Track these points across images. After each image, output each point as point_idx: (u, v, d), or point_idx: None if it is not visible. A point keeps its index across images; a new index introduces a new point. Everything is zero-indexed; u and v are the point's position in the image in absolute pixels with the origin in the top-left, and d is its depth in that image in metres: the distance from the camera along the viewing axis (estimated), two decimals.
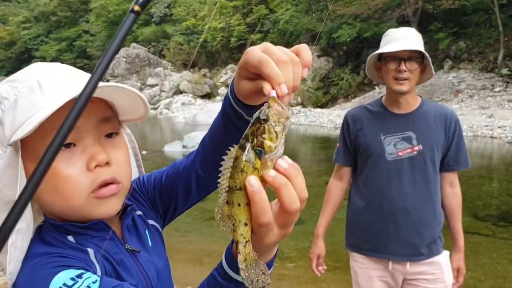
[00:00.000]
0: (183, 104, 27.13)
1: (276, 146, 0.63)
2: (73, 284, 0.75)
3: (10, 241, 0.81)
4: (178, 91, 29.51)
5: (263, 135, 0.63)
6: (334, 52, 25.74)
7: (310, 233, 6.36)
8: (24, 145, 0.83)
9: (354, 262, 2.55)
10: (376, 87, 22.61)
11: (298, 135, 19.08)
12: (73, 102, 0.81)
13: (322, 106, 23.58)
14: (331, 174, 2.65)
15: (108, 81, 30.74)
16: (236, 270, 0.71)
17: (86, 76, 0.89)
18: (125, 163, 0.92)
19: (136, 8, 0.58)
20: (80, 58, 44.18)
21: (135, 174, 1.10)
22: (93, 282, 0.75)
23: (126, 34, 0.55)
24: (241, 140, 0.64)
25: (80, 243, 0.87)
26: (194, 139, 13.49)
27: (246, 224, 0.66)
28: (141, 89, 29.98)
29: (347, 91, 23.93)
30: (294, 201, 0.64)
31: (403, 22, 22.66)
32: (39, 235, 0.89)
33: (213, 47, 32.43)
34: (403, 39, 2.27)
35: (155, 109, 26.99)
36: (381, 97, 2.50)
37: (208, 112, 22.45)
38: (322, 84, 24.54)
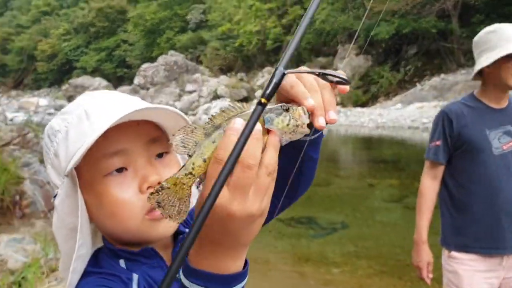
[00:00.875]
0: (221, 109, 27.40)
1: (282, 132, 0.64)
2: None
3: (71, 267, 0.85)
4: (216, 96, 29.79)
5: (278, 115, 0.64)
6: (372, 49, 25.38)
7: (355, 237, 6.33)
8: (79, 174, 0.86)
9: (457, 265, 2.41)
10: (417, 84, 22.15)
11: (338, 135, 18.88)
12: (118, 125, 0.84)
13: (363, 105, 23.27)
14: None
15: (148, 89, 31.41)
16: (186, 274, 0.68)
17: (133, 100, 0.92)
18: None
19: (263, 100, 0.62)
20: (120, 67, 45.25)
21: (195, 194, 1.11)
22: None
23: (253, 125, 0.60)
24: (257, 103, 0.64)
25: (129, 268, 0.89)
26: None
27: (204, 161, 0.62)
28: (180, 96, 30.43)
29: (387, 89, 23.54)
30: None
31: (443, 16, 22.11)
32: (95, 257, 0.92)
33: (249, 50, 32.56)
34: None
35: (194, 115, 27.33)
36: (472, 92, 2.51)
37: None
38: (361, 83, 24.24)
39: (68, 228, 0.86)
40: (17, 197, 5.81)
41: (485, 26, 2.59)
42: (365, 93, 24.07)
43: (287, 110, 0.65)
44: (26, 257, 3.99)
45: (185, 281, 0.68)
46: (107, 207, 0.85)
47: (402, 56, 24.60)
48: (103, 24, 49.03)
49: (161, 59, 33.37)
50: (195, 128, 0.64)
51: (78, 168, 0.85)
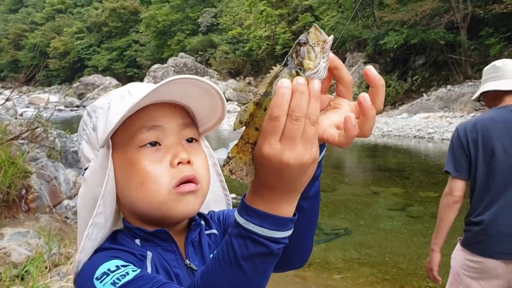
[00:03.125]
0: (228, 111, 27.20)
1: (316, 66, 0.69)
2: (116, 270, 0.83)
3: (86, 232, 0.89)
4: None
5: (303, 55, 0.69)
6: (380, 58, 25.38)
7: (358, 244, 6.34)
8: (115, 146, 0.93)
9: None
10: (424, 94, 22.11)
11: None
12: (157, 104, 0.92)
13: None
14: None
15: None
16: (242, 213, 0.74)
17: None
18: (205, 168, 0.98)
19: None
20: (130, 67, 45.49)
21: (220, 198, 1.16)
22: (133, 271, 0.83)
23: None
24: (284, 60, 0.71)
25: (144, 247, 0.94)
26: None
27: (257, 129, 0.70)
28: None
29: (394, 98, 23.50)
30: (371, 129, 0.71)
31: (452, 28, 22.07)
32: (113, 236, 0.97)
33: (258, 55, 32.64)
34: None
35: None
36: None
37: None
38: (368, 91, 24.23)
39: (96, 199, 0.91)
40: (23, 191, 5.87)
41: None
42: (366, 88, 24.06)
43: (303, 44, 0.70)
44: (29, 251, 4.04)
45: (240, 219, 0.74)
46: (137, 176, 0.90)
47: (410, 66, 24.57)
48: (116, 24, 49.32)
49: (171, 61, 33.54)
50: (246, 106, 0.72)
51: (113, 139, 0.93)
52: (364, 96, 0.70)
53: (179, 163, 0.91)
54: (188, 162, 0.93)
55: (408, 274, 4.95)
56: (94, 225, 0.90)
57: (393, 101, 23.53)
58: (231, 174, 0.73)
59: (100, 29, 51.17)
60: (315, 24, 0.72)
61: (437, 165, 12.67)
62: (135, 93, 0.96)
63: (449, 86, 21.49)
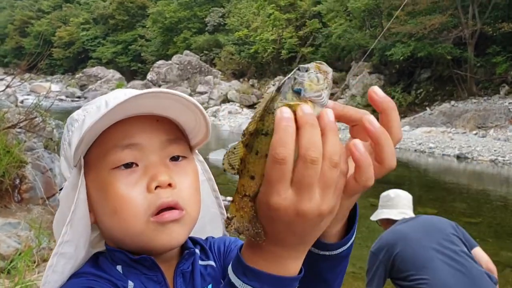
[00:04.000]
0: (229, 112, 27.40)
1: (319, 90, 0.57)
2: None
3: (49, 262, 0.78)
4: (226, 100, 29.85)
5: (303, 77, 0.58)
6: (386, 69, 25.36)
7: (353, 257, 6.21)
8: (88, 165, 0.82)
9: None
10: (427, 108, 22.08)
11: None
12: (135, 119, 0.80)
13: None
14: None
15: (160, 86, 31.53)
16: (236, 272, 0.62)
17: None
18: (191, 190, 0.84)
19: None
20: (134, 62, 45.47)
21: (216, 216, 1.04)
22: None
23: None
24: (277, 85, 0.59)
25: (125, 275, 0.82)
26: None
27: (252, 178, 0.58)
28: (190, 95, 30.44)
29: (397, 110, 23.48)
30: (394, 156, 0.58)
31: (459, 43, 22.05)
32: (94, 259, 0.86)
33: (263, 58, 32.63)
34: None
35: None
36: None
37: None
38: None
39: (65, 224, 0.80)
40: (17, 181, 5.80)
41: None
42: (374, 112, 23.86)
43: (304, 70, 0.58)
44: (19, 243, 3.95)
45: (236, 281, 0.62)
46: (110, 202, 0.79)
47: (415, 79, 24.53)
48: (122, 17, 49.34)
49: (175, 58, 33.52)
50: (235, 146, 0.60)
51: (87, 158, 0.82)
52: (369, 119, 0.59)
53: (157, 187, 0.78)
54: (170, 185, 0.79)
55: None
56: (60, 255, 0.79)
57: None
58: (240, 235, 0.62)
59: (106, 22, 51.16)
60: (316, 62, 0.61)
61: (437, 181, 12.59)
62: (111, 104, 0.80)
63: (453, 102, 21.45)
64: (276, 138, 0.54)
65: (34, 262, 3.62)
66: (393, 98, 23.15)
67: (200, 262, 0.92)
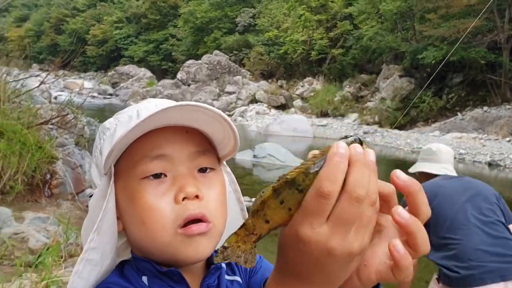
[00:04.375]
0: (257, 113, 27.42)
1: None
2: None
3: (75, 268, 0.80)
4: (254, 100, 29.88)
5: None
6: (417, 73, 24.95)
7: None
8: (118, 174, 0.83)
9: None
10: (458, 113, 21.63)
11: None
12: (165, 130, 0.81)
13: (400, 127, 22.87)
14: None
15: (189, 85, 31.82)
16: None
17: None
18: (218, 202, 0.84)
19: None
20: (165, 61, 45.99)
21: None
22: None
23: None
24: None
25: (150, 287, 0.82)
26: (265, 149, 13.55)
27: (267, 222, 0.57)
28: (219, 96, 30.68)
29: (427, 115, 23.06)
30: (427, 241, 0.57)
31: (494, 48, 21.52)
32: (120, 268, 0.87)
33: (292, 59, 32.56)
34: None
35: (230, 115, 27.50)
36: None
37: (281, 123, 22.50)
38: (401, 105, 23.82)
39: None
40: (48, 176, 5.94)
41: None
42: (404, 116, 23.64)
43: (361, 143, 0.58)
44: (47, 238, 4.04)
45: None
46: (138, 213, 0.79)
47: (447, 83, 24.06)
48: (155, 16, 49.95)
49: (205, 58, 33.75)
50: (263, 190, 0.59)
51: (117, 167, 0.83)
52: (398, 211, 0.57)
53: (184, 198, 0.79)
54: (197, 197, 0.79)
55: None
56: (86, 261, 0.80)
57: (426, 118, 23.09)
58: (224, 261, 0.61)
59: (139, 21, 51.91)
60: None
61: None
62: (143, 114, 0.82)
63: (485, 107, 20.96)
64: (326, 172, 0.53)
65: (62, 257, 3.70)
66: (423, 102, 22.86)
67: (226, 277, 0.92)
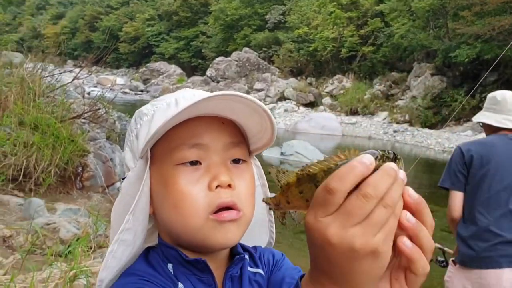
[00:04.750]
0: (285, 110, 27.34)
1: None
2: None
3: (110, 248, 0.83)
4: (283, 98, 29.81)
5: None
6: (449, 71, 24.42)
7: None
8: (154, 158, 0.86)
9: None
10: None
11: (402, 154, 18.18)
12: (203, 120, 0.84)
13: (431, 126, 22.46)
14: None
15: (218, 82, 32.00)
16: None
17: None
18: (248, 193, 0.87)
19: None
20: (195, 58, 46.33)
21: (264, 222, 1.05)
22: None
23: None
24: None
25: (176, 275, 0.86)
26: (293, 147, 13.53)
27: (288, 203, 0.62)
28: (248, 93, 30.68)
29: (459, 114, 22.51)
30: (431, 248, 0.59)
31: None
32: (146, 255, 0.89)
33: (322, 56, 32.33)
34: None
35: None
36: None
37: (310, 121, 22.39)
38: (433, 104, 23.38)
39: (127, 213, 0.84)
40: (80, 169, 6.10)
41: None
42: (435, 114, 23.17)
43: (397, 159, 0.59)
44: (77, 229, 4.16)
45: None
46: (172, 197, 0.83)
47: (480, 82, 23.46)
48: (186, 14, 50.36)
49: (235, 55, 33.86)
50: (287, 171, 0.63)
51: (153, 151, 0.86)
52: (403, 241, 0.57)
53: (218, 186, 0.82)
54: (229, 186, 0.83)
55: None
56: (120, 241, 0.83)
57: (458, 117, 22.57)
58: (276, 207, 0.66)
59: (170, 18, 52.41)
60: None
61: None
62: (181, 103, 0.88)
63: None
64: (339, 171, 0.55)
65: (91, 248, 3.80)
66: (455, 101, 22.37)
67: (249, 269, 0.95)
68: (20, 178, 5.27)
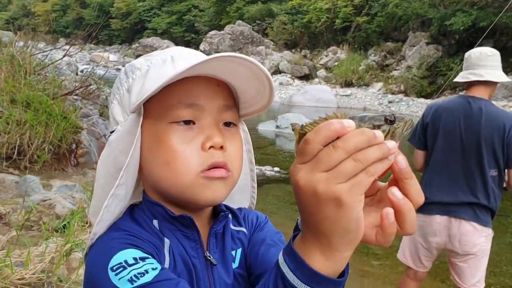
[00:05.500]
0: (280, 84, 27.20)
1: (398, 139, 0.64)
2: (134, 264, 0.76)
3: (106, 203, 0.84)
4: (277, 71, 29.62)
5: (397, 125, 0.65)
6: (444, 40, 24.24)
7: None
8: (146, 114, 0.86)
9: None
10: None
11: None
12: (199, 80, 0.84)
13: (426, 96, 22.39)
14: None
15: None
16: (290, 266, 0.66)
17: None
18: (237, 156, 0.90)
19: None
20: (188, 32, 45.80)
21: (246, 187, 1.08)
22: (153, 269, 0.76)
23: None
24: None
25: (162, 231, 0.87)
26: (288, 120, 13.56)
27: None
28: None
29: (455, 83, 22.44)
30: (421, 193, 0.63)
31: None
32: (130, 212, 0.91)
33: (316, 28, 32.00)
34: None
35: None
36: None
37: (305, 93, 22.34)
38: (428, 73, 23.27)
39: (117, 167, 0.86)
40: (74, 146, 6.09)
41: None
42: (431, 84, 23.08)
43: (392, 121, 0.64)
44: (73, 204, 4.19)
45: (280, 257, 0.67)
46: (164, 154, 0.84)
47: None
48: None
49: (228, 28, 33.47)
50: (303, 125, 0.67)
51: (146, 106, 0.86)
52: (393, 191, 0.61)
53: (211, 147, 0.84)
54: (221, 147, 0.85)
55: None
56: (115, 196, 0.85)
57: (453, 86, 22.53)
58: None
59: None
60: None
61: None
62: (177, 60, 0.89)
63: None
64: (318, 126, 0.60)
65: (86, 223, 3.82)
66: (451, 70, 22.26)
67: (233, 227, 0.98)
68: (15, 156, 5.25)
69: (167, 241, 0.86)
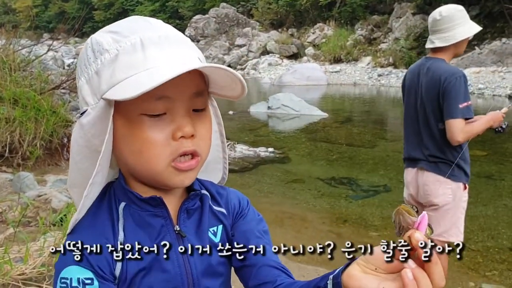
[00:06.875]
0: (269, 64, 27.06)
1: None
2: (76, 287, 0.83)
3: (85, 192, 0.88)
4: (265, 52, 29.44)
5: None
6: (431, 9, 24.03)
7: (397, 202, 6.19)
8: (117, 103, 0.85)
9: None
10: (476, 47, 21.03)
11: (387, 97, 18.35)
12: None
13: None
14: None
15: (198, 41, 31.44)
16: None
17: (189, 47, 0.94)
18: (207, 137, 0.94)
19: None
20: (173, 19, 45.27)
21: (218, 158, 1.11)
22: None
23: None
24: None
25: (125, 212, 0.93)
26: (279, 100, 13.51)
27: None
28: (229, 49, 30.30)
29: None
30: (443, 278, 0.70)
31: None
32: (101, 196, 0.95)
33: (301, 5, 31.75)
34: None
35: (242, 69, 27.22)
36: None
37: (294, 73, 22.24)
38: (416, 44, 23.20)
39: (92, 150, 0.88)
40: (65, 140, 6.06)
41: None
42: (419, 54, 22.99)
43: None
44: (69, 198, 4.17)
45: None
46: (136, 144, 0.86)
47: None
48: None
49: (212, 11, 33.14)
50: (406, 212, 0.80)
51: None
52: (406, 271, 0.71)
53: (181, 136, 0.87)
54: (192, 135, 0.88)
55: None
56: (93, 184, 0.89)
57: None
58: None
59: None
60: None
61: None
62: (148, 47, 0.84)
63: (504, 39, 20.30)
64: None
65: None
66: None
67: (214, 207, 1.03)
68: (6, 154, 5.21)
69: (121, 221, 0.92)
